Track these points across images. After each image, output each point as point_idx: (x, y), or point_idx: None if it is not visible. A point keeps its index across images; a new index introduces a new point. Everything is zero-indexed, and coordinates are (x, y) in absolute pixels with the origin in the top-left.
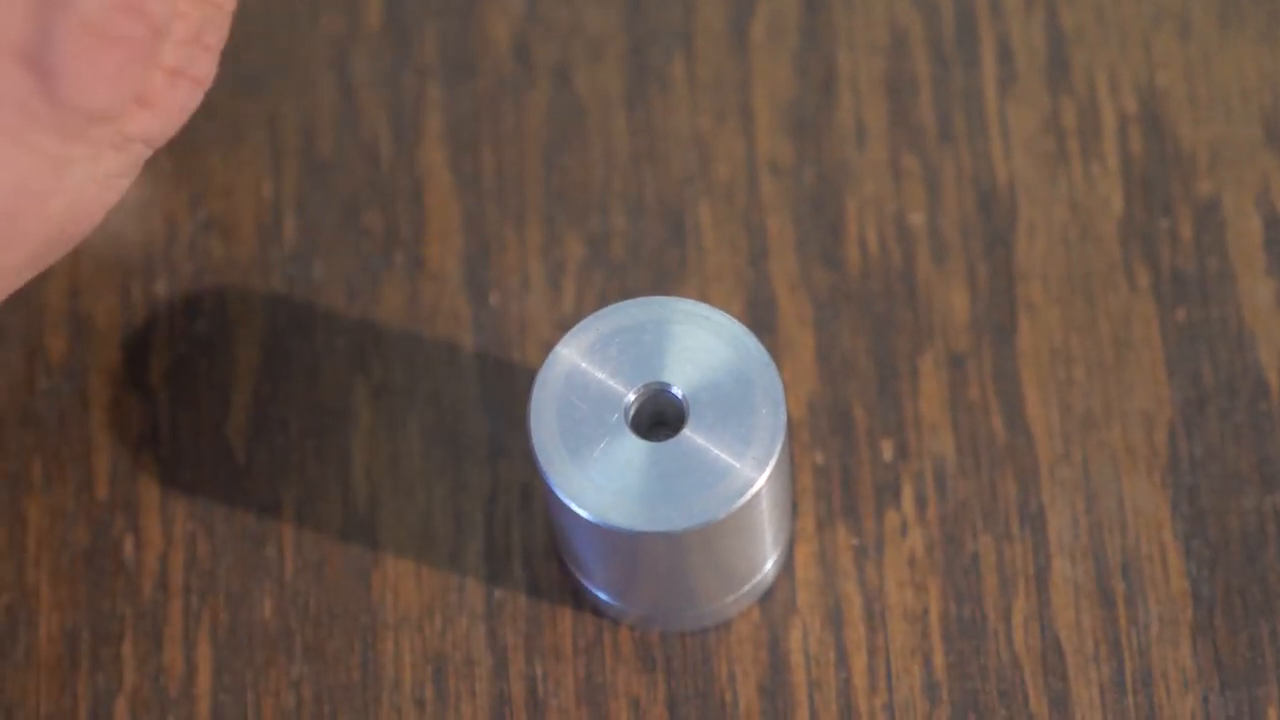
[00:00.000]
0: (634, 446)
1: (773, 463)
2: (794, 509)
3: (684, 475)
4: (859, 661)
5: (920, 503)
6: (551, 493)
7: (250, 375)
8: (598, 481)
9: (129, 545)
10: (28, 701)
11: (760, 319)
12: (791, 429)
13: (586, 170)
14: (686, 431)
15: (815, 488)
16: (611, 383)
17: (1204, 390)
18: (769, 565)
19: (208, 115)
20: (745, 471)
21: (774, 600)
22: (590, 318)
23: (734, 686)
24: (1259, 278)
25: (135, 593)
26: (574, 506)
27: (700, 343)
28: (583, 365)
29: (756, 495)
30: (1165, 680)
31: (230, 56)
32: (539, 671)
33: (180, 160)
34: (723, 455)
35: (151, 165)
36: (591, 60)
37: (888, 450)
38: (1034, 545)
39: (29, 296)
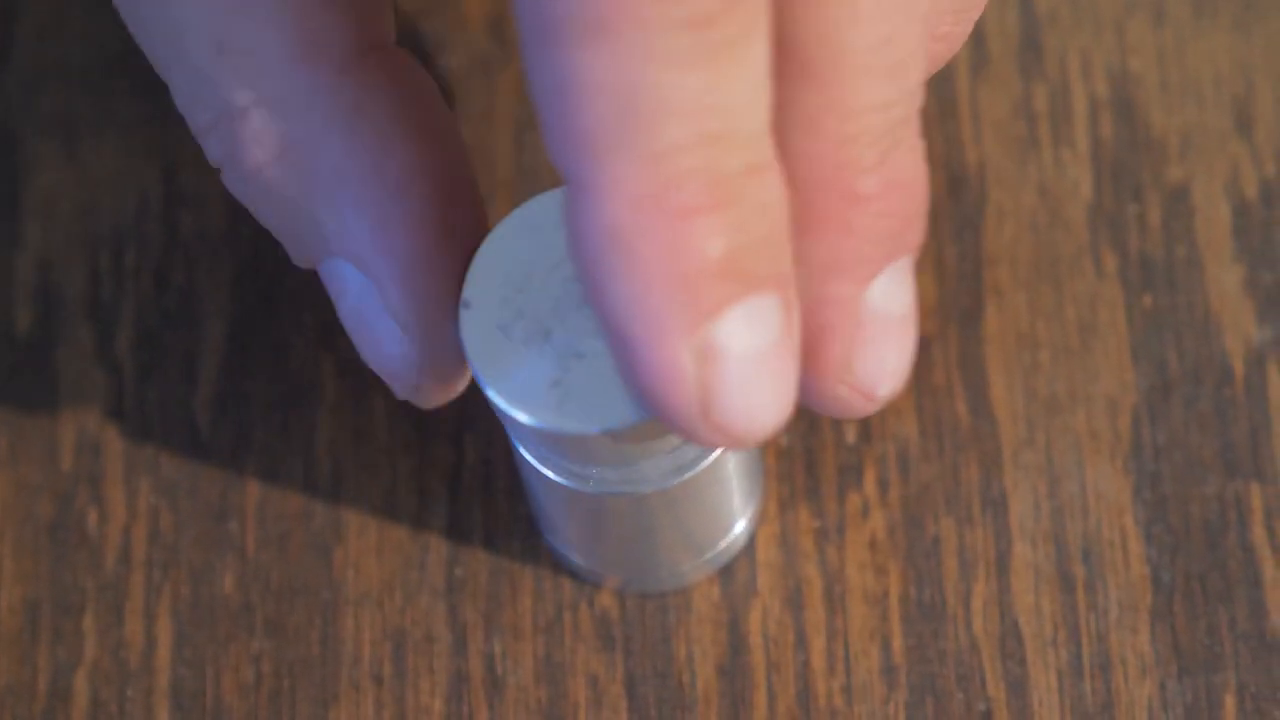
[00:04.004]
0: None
1: None
2: (763, 469)
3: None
4: (818, 644)
5: (882, 485)
6: (516, 450)
7: (217, 349)
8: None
9: (92, 518)
10: None
11: None
12: None
13: None
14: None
15: (778, 469)
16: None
17: (1169, 376)
18: (739, 527)
19: None
20: None
21: (734, 581)
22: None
23: (692, 667)
24: (1226, 265)
25: (98, 566)
26: (534, 462)
27: None
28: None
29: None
30: (1124, 665)
31: None
32: (498, 649)
33: (152, 132)
34: None
35: (123, 136)
36: None
37: (851, 433)
38: (995, 529)
39: None
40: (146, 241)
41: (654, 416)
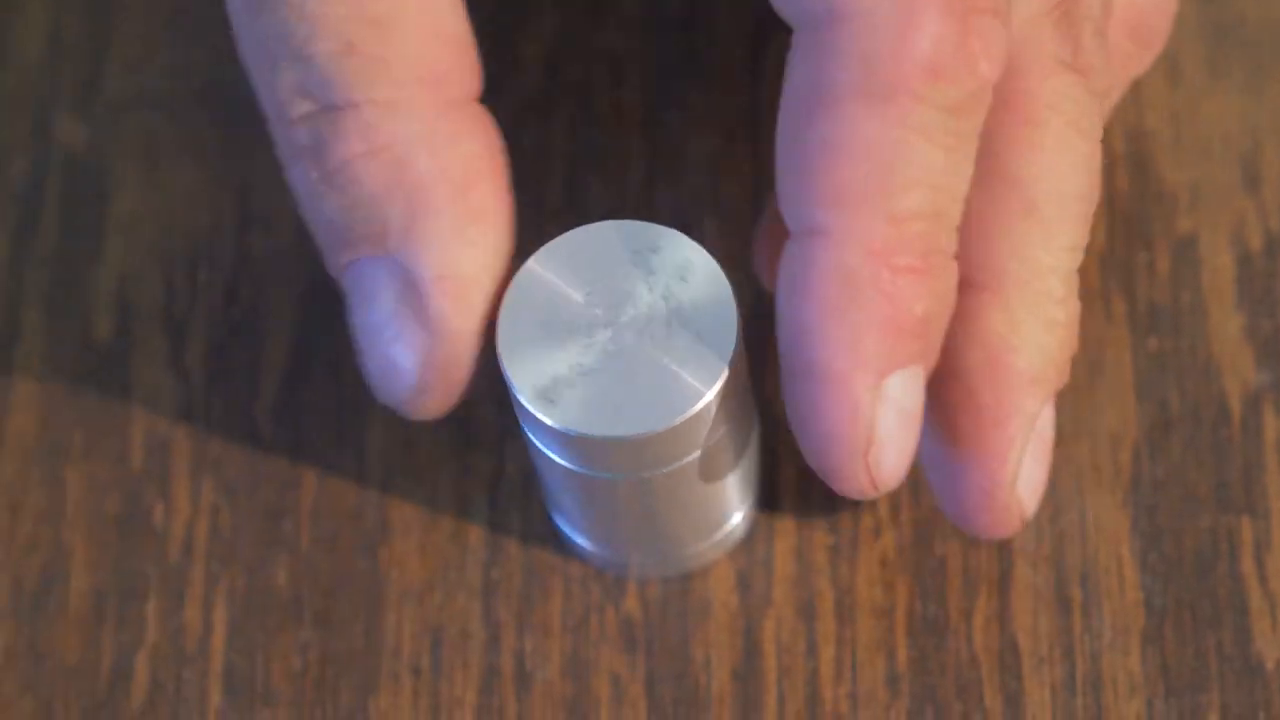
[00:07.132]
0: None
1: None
2: (758, 463)
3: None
4: (827, 652)
5: (894, 507)
6: (525, 436)
7: (280, 361)
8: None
9: (159, 513)
10: (57, 652)
11: (756, 326)
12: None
13: (605, 187)
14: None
15: (797, 488)
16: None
17: (1170, 415)
18: (736, 518)
19: (257, 115)
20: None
21: (751, 591)
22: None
23: (709, 670)
24: (1228, 312)
25: (162, 557)
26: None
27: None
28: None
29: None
30: (1114, 684)
31: None
32: (528, 646)
33: (229, 159)
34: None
35: (201, 162)
36: (614, 83)
37: None
38: (998, 552)
39: (81, 280)
40: (219, 259)
41: (812, 448)
